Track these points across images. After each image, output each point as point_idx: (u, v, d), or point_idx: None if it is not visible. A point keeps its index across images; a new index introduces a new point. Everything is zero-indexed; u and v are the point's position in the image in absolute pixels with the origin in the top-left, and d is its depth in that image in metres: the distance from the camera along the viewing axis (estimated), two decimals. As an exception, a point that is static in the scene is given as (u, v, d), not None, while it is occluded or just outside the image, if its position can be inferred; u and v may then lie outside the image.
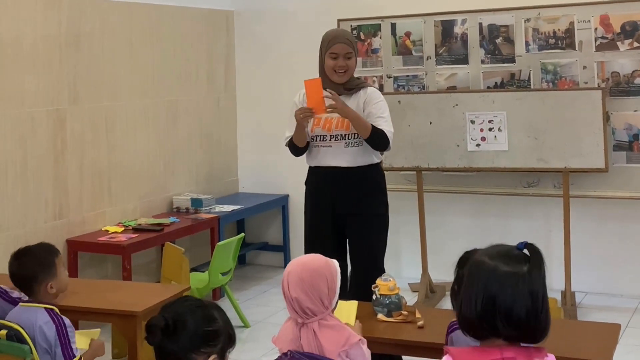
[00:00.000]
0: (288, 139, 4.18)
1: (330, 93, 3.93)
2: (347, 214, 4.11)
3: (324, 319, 2.54)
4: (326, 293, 2.54)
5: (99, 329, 3.53)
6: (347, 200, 4.09)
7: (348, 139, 4.06)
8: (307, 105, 3.94)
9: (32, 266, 3.20)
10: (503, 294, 1.92)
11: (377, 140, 4.03)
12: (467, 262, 2.06)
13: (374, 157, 4.14)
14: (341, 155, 4.07)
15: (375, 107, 4.07)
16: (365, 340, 2.63)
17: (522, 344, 1.96)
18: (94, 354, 3.33)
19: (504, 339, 1.94)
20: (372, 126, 3.99)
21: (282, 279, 2.58)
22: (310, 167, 4.22)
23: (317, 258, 2.63)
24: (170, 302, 2.14)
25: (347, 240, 4.16)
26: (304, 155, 4.21)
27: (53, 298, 3.22)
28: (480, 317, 1.94)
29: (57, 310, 3.18)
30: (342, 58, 4.04)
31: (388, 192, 6.22)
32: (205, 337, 2.06)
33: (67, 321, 3.15)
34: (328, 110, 3.91)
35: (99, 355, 3.37)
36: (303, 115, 3.94)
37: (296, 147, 4.15)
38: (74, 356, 3.10)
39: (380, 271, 3.84)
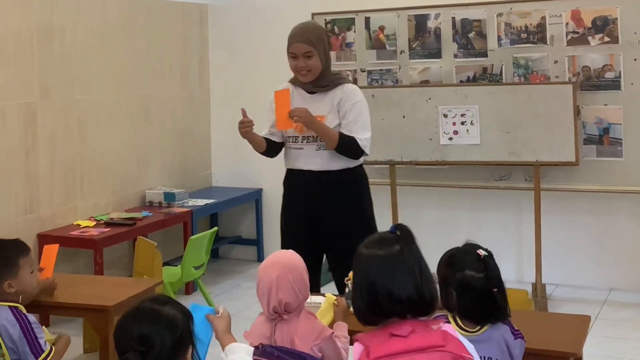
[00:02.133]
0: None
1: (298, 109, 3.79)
2: (320, 220, 3.92)
3: (297, 314, 2.56)
4: (302, 289, 2.58)
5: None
6: (319, 206, 3.90)
7: (320, 141, 3.86)
8: (276, 115, 3.84)
9: None
10: (381, 277, 2.03)
11: (346, 149, 3.84)
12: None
13: (349, 161, 3.92)
14: (313, 159, 3.89)
15: (351, 109, 3.87)
16: (346, 337, 2.64)
17: (419, 319, 2.06)
18: (65, 346, 3.29)
19: (397, 317, 2.04)
20: (340, 135, 3.80)
21: (267, 282, 2.53)
22: (286, 169, 4.08)
23: (291, 256, 2.63)
24: (127, 324, 2.11)
25: (324, 248, 3.96)
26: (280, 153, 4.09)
27: (14, 297, 3.16)
28: (368, 306, 2.06)
29: (22, 309, 3.13)
30: (302, 58, 3.83)
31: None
32: (178, 345, 2.10)
33: (31, 318, 3.10)
34: (294, 121, 3.76)
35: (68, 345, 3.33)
36: (244, 131, 3.85)
37: (261, 152, 4.05)
38: (43, 351, 3.06)
39: None
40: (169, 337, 2.07)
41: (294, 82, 3.99)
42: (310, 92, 3.93)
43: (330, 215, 3.89)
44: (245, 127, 3.85)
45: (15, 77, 4.92)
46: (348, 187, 3.93)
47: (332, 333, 2.59)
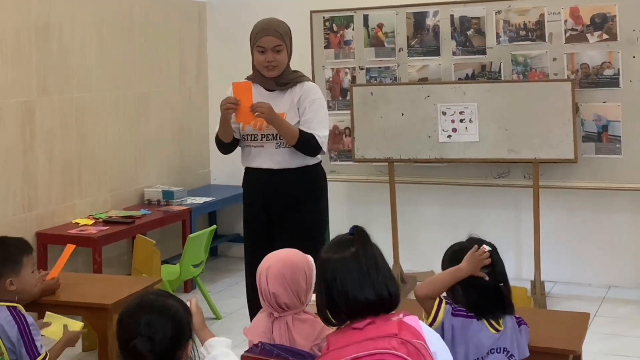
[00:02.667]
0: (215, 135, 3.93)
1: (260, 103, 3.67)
2: (280, 219, 3.87)
3: (298, 313, 2.56)
4: (304, 289, 2.57)
5: (81, 323, 3.45)
6: (280, 205, 3.86)
7: (279, 139, 3.79)
8: (238, 109, 3.69)
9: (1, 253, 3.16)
10: (337, 280, 2.06)
11: (306, 146, 3.78)
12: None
13: (307, 159, 3.87)
14: (273, 157, 3.83)
15: (310, 106, 3.81)
16: None
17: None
18: (65, 345, 3.27)
19: (359, 317, 2.06)
20: (300, 132, 3.75)
21: (259, 273, 2.57)
22: (244, 168, 3.99)
23: (295, 254, 2.63)
24: (133, 313, 2.15)
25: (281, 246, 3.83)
26: (235, 153, 3.97)
27: (13, 296, 3.15)
28: (328, 307, 2.10)
29: (21, 308, 3.12)
30: (271, 52, 3.76)
31: (360, 184, 6.23)
32: (178, 337, 2.13)
33: (29, 319, 3.09)
34: (255, 115, 3.65)
35: (70, 346, 3.32)
36: (225, 107, 3.69)
37: (222, 143, 3.91)
38: (39, 354, 3.04)
39: None
40: (170, 328, 2.11)
41: (252, 79, 3.89)
42: (269, 90, 3.85)
43: (290, 213, 3.84)
44: (229, 105, 3.68)
45: (13, 75, 4.91)
46: (308, 185, 3.90)
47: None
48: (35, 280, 3.25)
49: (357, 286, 2.05)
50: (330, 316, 2.11)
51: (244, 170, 4.01)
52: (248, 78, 3.91)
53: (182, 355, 2.14)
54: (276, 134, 3.77)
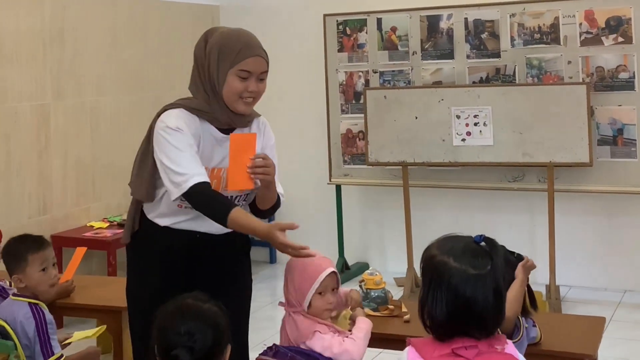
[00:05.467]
0: (205, 184, 2.60)
1: (262, 158, 2.65)
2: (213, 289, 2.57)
3: (295, 314, 2.62)
4: (293, 291, 2.64)
5: (103, 327, 3.45)
6: (208, 272, 2.80)
7: (240, 201, 2.77)
8: (229, 168, 2.66)
9: (6, 253, 3.17)
10: (474, 296, 1.90)
11: (274, 209, 2.87)
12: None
13: None
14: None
15: (271, 154, 2.78)
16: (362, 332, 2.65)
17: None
18: (83, 357, 3.27)
19: (471, 337, 1.92)
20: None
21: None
22: (158, 228, 2.80)
23: (310, 259, 2.62)
24: (173, 320, 2.12)
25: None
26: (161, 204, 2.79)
27: (30, 292, 3.16)
28: (449, 319, 1.92)
29: (43, 306, 3.14)
30: (255, 79, 2.68)
31: (373, 187, 6.23)
32: (220, 342, 2.11)
33: (48, 317, 3.10)
34: (261, 177, 2.64)
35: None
36: (295, 254, 2.55)
37: (220, 220, 2.60)
38: (52, 354, 3.05)
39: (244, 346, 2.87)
40: (211, 334, 2.08)
41: (201, 113, 2.72)
42: (223, 131, 2.73)
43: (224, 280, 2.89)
44: (300, 253, 2.55)
45: (28, 79, 4.93)
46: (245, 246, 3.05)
47: (315, 332, 2.58)
48: (45, 279, 3.20)
49: (490, 306, 1.91)
50: (445, 329, 1.95)
51: (150, 227, 2.84)
52: (186, 107, 2.77)
53: (221, 359, 2.12)
54: (237, 196, 2.75)
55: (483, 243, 1.98)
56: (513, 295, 2.65)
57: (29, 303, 3.10)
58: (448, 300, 1.91)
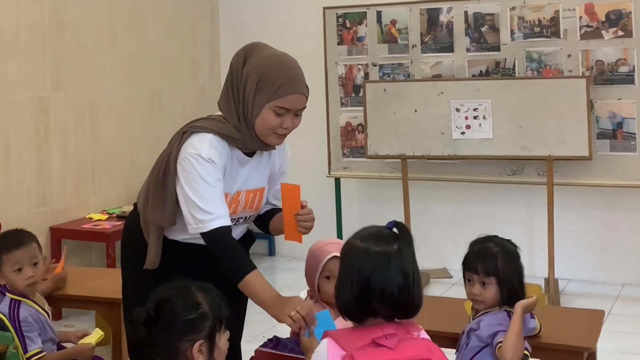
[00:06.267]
0: (227, 229, 2.51)
1: (307, 213, 2.63)
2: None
3: (312, 300, 2.64)
4: (306, 277, 2.67)
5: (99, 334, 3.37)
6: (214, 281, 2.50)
7: (247, 221, 2.78)
8: (284, 219, 2.65)
9: None
10: (376, 274, 1.97)
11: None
12: None
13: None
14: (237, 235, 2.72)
15: (287, 169, 2.84)
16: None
17: (397, 320, 2.02)
18: (69, 355, 3.20)
19: (381, 317, 1.99)
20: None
21: None
22: (174, 242, 2.68)
23: (323, 245, 2.66)
24: (156, 290, 2.08)
25: None
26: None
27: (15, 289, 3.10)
28: (357, 300, 1.98)
29: (29, 303, 3.08)
30: (292, 115, 2.55)
31: (372, 180, 6.22)
32: (187, 325, 1.98)
33: (22, 315, 3.03)
34: (302, 233, 2.63)
35: (81, 358, 3.25)
36: (297, 325, 2.34)
37: (233, 275, 2.51)
38: (26, 351, 2.99)
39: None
40: (184, 314, 1.98)
41: (232, 140, 2.58)
42: (248, 155, 2.65)
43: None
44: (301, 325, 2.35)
45: (27, 70, 4.92)
46: None
47: None
48: (20, 279, 3.07)
49: (395, 285, 1.96)
50: (355, 312, 2.01)
51: (169, 243, 2.69)
52: (223, 134, 2.57)
53: (186, 350, 1.98)
54: (250, 216, 2.75)
55: (395, 229, 2.05)
56: (512, 336, 2.58)
57: (11, 299, 3.08)
58: (353, 279, 1.98)
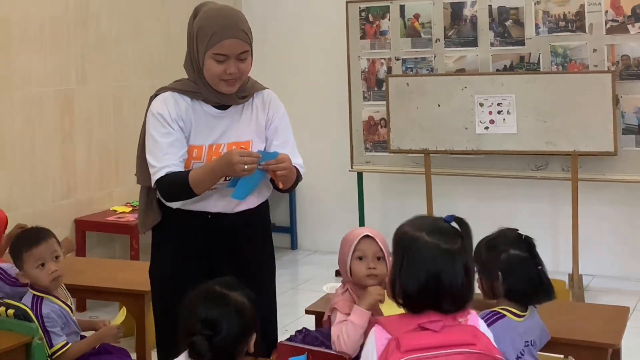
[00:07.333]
0: (167, 174, 2.67)
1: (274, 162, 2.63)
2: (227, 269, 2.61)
3: (344, 287, 2.62)
4: (340, 262, 2.63)
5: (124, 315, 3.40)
6: (228, 255, 2.81)
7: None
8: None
9: (10, 252, 3.17)
10: (445, 271, 2.01)
11: (294, 186, 2.84)
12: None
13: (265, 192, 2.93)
14: (227, 198, 2.72)
15: (280, 125, 2.84)
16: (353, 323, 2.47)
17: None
18: (97, 340, 3.21)
19: (436, 310, 2.02)
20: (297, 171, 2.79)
21: None
22: (172, 210, 2.83)
23: (356, 229, 2.67)
24: (195, 306, 2.11)
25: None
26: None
27: (51, 285, 3.12)
28: (421, 293, 2.02)
29: (52, 299, 3.10)
30: (234, 60, 2.64)
31: (395, 175, 6.19)
32: (243, 332, 2.09)
33: (45, 311, 3.05)
34: (281, 180, 2.68)
35: (107, 341, 3.27)
36: (249, 167, 2.53)
37: (190, 194, 2.66)
38: (52, 345, 3.03)
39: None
40: (237, 323, 2.07)
41: (191, 93, 2.76)
42: (220, 107, 2.75)
43: (241, 262, 2.85)
44: (252, 165, 2.56)
45: (52, 64, 4.97)
46: (264, 225, 3.07)
47: (333, 307, 2.54)
48: (43, 276, 3.09)
49: (460, 280, 2.02)
50: (417, 302, 2.04)
51: (166, 211, 2.87)
52: (179, 90, 2.80)
53: (244, 348, 2.10)
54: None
55: (454, 223, 2.10)
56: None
57: (33, 295, 3.10)
58: (420, 273, 2.01)
